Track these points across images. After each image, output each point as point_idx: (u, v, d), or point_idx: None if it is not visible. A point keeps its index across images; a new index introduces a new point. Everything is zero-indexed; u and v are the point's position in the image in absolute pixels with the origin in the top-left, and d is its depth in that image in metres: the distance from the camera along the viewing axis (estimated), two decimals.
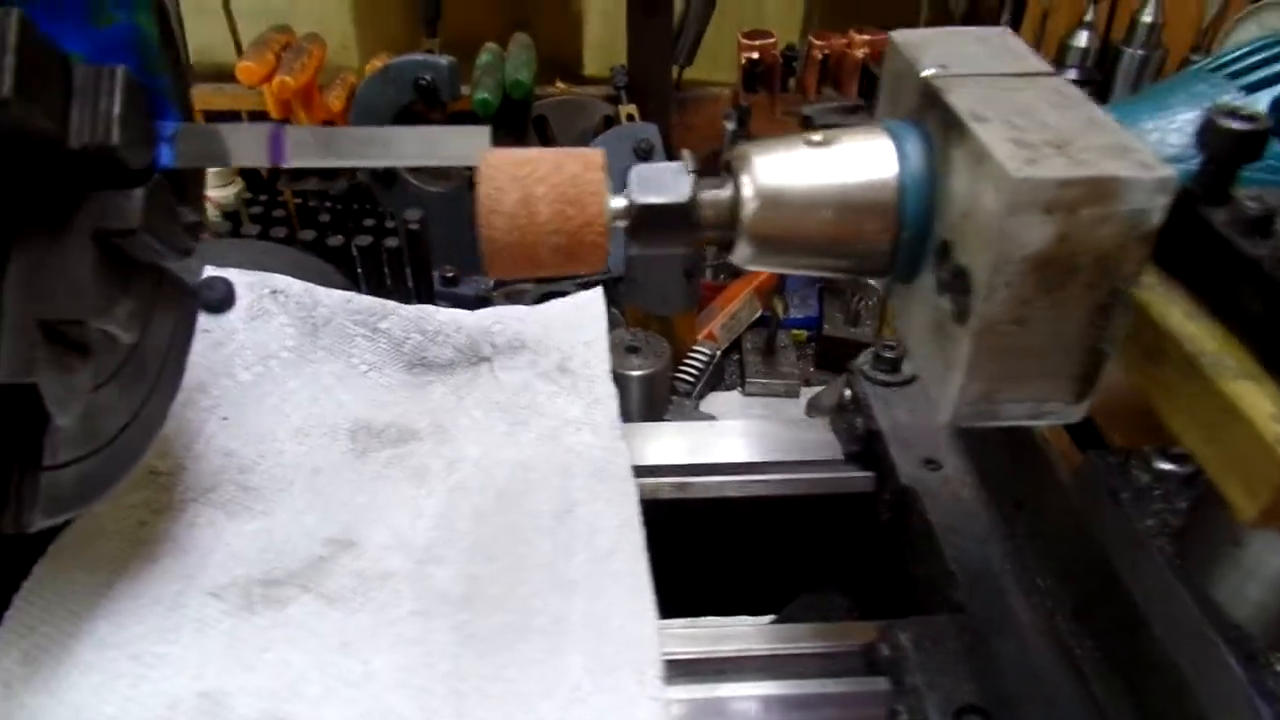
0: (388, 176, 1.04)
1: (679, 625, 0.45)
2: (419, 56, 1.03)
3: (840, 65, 1.24)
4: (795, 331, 1.21)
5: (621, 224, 0.33)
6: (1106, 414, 0.42)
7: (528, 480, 0.51)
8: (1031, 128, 0.28)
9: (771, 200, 0.32)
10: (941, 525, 0.46)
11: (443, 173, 1.12)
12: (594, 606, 0.43)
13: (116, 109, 0.31)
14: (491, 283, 1.12)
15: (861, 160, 0.31)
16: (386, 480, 0.51)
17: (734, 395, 1.16)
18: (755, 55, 1.21)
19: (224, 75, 1.17)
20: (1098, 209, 0.26)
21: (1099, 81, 1.11)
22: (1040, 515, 0.44)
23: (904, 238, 0.32)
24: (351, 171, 1.13)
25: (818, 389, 1.16)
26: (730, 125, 1.19)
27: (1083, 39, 1.12)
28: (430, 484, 0.51)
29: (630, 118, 1.19)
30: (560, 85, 1.32)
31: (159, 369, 0.42)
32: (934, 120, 0.31)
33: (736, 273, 1.22)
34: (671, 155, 0.82)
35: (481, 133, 0.33)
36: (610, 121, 1.21)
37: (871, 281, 1.09)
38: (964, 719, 0.38)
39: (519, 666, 0.41)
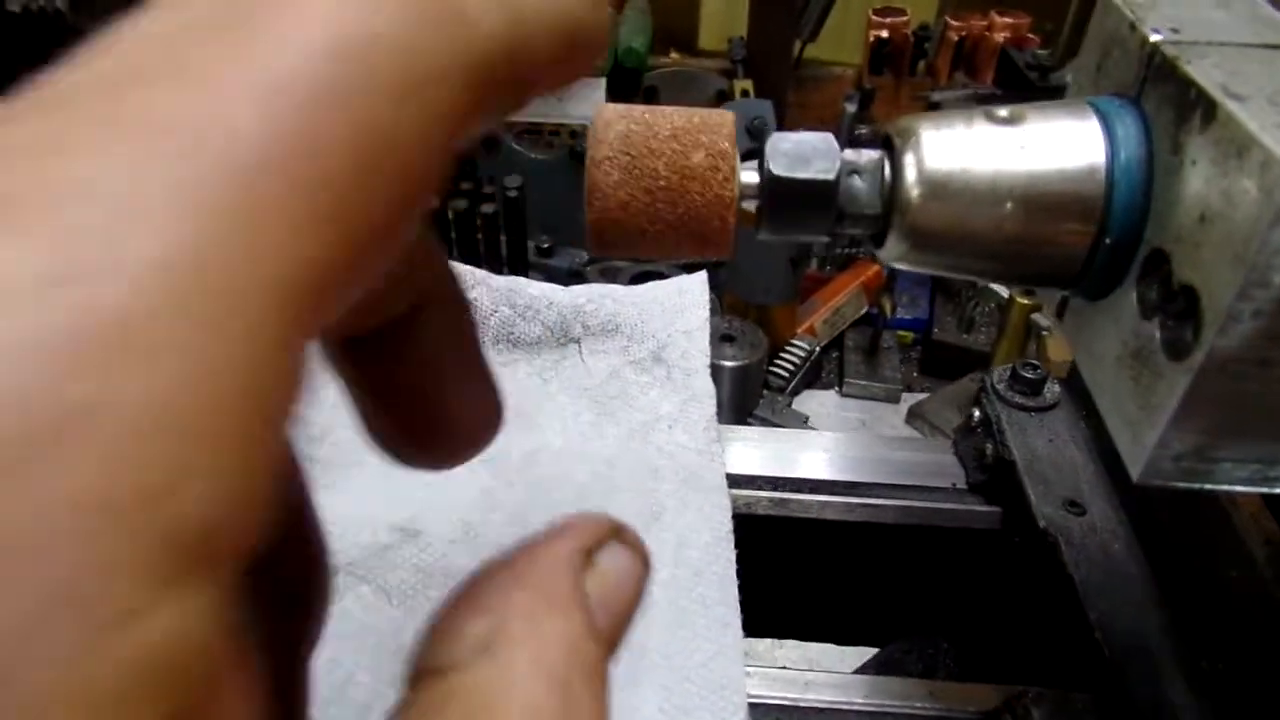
0: (490, 141, 1.01)
1: (766, 655, 0.40)
2: None
3: (977, 49, 1.15)
4: (902, 333, 1.13)
5: (750, 203, 0.27)
6: None
7: (612, 480, 0.47)
8: None
9: (940, 187, 0.26)
10: (1085, 582, 0.40)
11: (547, 139, 1.08)
12: (675, 635, 0.38)
13: None
14: (586, 256, 1.08)
15: (1060, 143, 0.25)
16: (462, 467, 0.47)
17: (830, 395, 1.09)
18: (884, 33, 1.13)
19: None
20: None
21: None
22: (1216, 587, 0.37)
23: (1106, 243, 0.25)
24: None
25: (920, 396, 1.08)
26: (851, 108, 1.11)
27: None
28: (508, 475, 0.47)
29: (745, 93, 1.12)
30: (674, 55, 1.26)
31: None
32: (1160, 98, 0.25)
33: (843, 265, 1.14)
34: None
35: (595, 85, 0.28)
36: (724, 96, 1.15)
37: (1020, 296, 0.98)
38: None
39: None
